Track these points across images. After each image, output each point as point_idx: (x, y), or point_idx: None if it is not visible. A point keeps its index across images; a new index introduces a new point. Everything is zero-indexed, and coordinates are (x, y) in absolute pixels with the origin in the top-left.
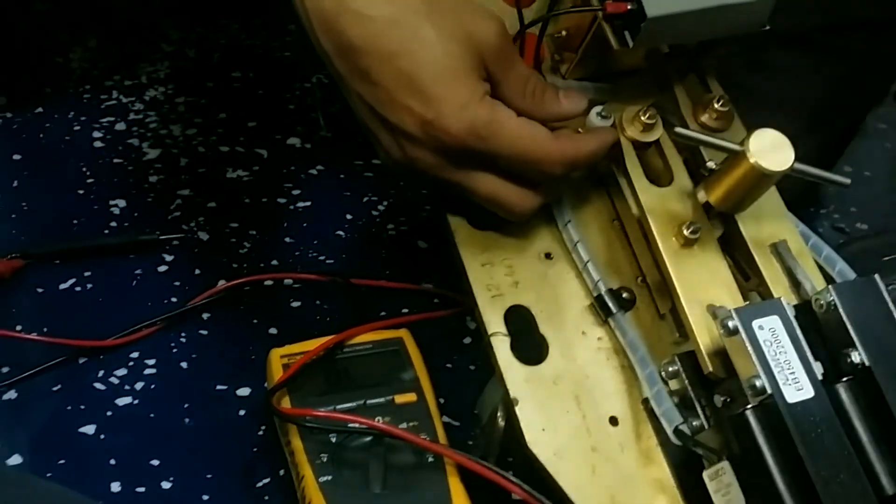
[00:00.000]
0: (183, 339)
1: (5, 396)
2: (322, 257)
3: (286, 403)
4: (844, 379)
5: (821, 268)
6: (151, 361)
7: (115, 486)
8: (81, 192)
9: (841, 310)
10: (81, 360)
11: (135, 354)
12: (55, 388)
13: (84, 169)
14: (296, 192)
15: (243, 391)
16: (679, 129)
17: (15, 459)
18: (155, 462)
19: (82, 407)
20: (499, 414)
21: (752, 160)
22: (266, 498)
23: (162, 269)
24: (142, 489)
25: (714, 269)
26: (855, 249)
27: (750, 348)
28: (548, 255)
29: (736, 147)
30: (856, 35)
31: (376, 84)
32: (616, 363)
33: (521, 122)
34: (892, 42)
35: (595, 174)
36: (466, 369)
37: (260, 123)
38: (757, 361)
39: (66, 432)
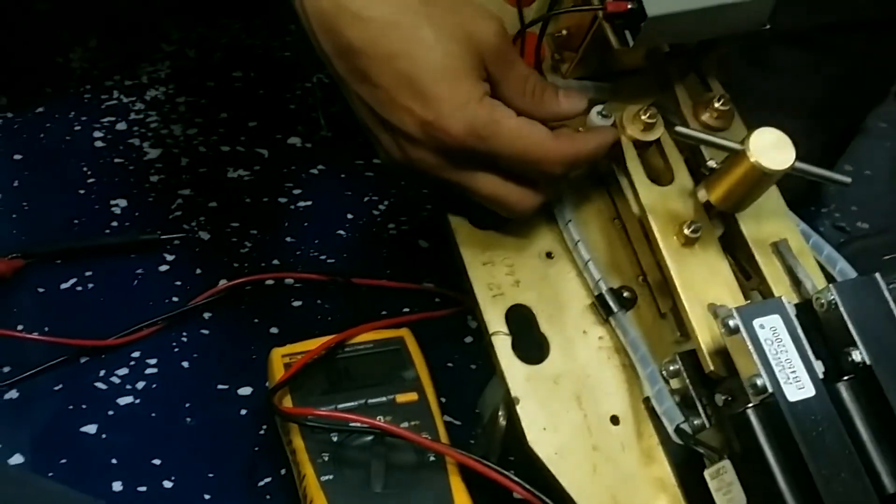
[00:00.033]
0: (184, 339)
1: (7, 396)
2: (323, 257)
3: (287, 403)
4: (845, 378)
5: (822, 267)
6: (153, 361)
7: (117, 486)
8: (82, 191)
9: (842, 309)
10: (83, 360)
11: (136, 354)
12: (56, 388)
13: (85, 169)
14: (297, 191)
15: (245, 390)
16: (679, 129)
17: (16, 459)
18: (156, 461)
19: (84, 406)
20: (500, 413)
21: (752, 159)
22: (267, 497)
23: (163, 268)
24: (143, 488)
25: (715, 268)
26: (856, 248)
27: (751, 347)
28: (549, 255)
29: (737, 146)
30: (857, 34)
31: (376, 85)
32: (617, 362)
33: (521, 122)
34: (892, 41)
35: (596, 173)
36: (467, 368)
37: (261, 123)
38: (758, 360)
39: (67, 432)
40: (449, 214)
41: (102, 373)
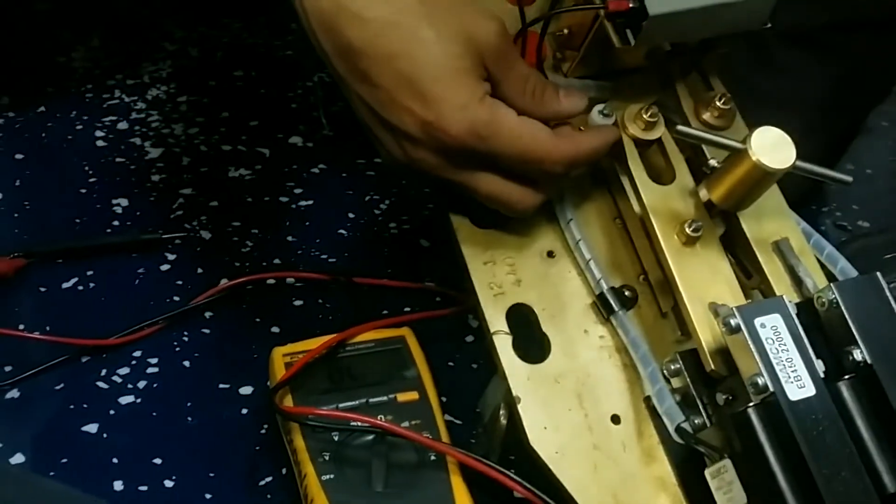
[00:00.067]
0: (185, 338)
1: (8, 395)
2: (324, 256)
3: (288, 402)
4: (846, 377)
5: (823, 266)
6: (154, 360)
7: (118, 485)
8: (84, 191)
9: (843, 307)
10: (84, 359)
11: (137, 353)
12: (58, 387)
13: (86, 168)
14: (298, 190)
15: (246, 390)
16: (681, 127)
17: (18, 458)
18: (157, 461)
19: (85, 406)
20: (501, 412)
21: (753, 158)
22: (268, 496)
23: (164, 267)
24: (144, 488)
25: (716, 267)
26: (857, 247)
27: (752, 346)
28: (550, 254)
29: (738, 145)
30: (858, 34)
31: (376, 85)
32: (618, 361)
33: (522, 122)
34: (894, 41)
35: (597, 172)
36: (468, 368)
37: (262, 122)
38: (759, 359)
39: (68, 431)
40: (450, 213)
41: (104, 372)
